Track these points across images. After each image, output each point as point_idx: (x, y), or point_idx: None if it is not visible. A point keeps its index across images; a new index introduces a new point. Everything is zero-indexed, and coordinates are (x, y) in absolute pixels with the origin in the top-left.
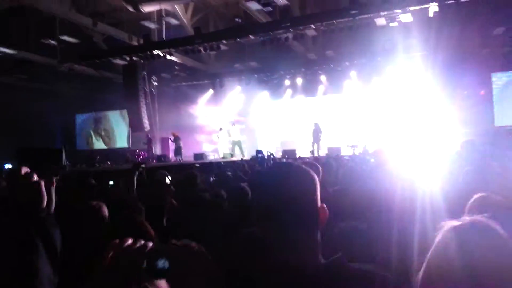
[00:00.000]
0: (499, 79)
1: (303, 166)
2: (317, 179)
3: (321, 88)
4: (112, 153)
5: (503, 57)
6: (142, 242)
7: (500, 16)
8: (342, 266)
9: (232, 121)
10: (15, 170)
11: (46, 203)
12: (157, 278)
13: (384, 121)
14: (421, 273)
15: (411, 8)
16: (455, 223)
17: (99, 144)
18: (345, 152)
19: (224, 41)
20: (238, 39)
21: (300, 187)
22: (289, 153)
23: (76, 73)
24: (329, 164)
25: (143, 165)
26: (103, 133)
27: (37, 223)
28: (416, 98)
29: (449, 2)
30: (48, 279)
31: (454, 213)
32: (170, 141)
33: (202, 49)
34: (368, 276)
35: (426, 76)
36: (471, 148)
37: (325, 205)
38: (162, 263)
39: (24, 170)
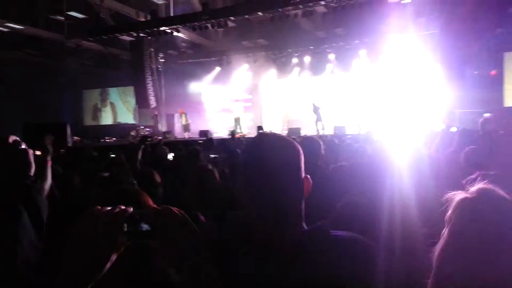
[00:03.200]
0: (511, 58)
1: (288, 137)
2: (301, 150)
3: (329, 67)
4: (118, 129)
5: None
6: (122, 207)
7: None
8: (324, 232)
9: (234, 98)
10: (3, 138)
11: (38, 173)
12: (140, 240)
13: (392, 101)
14: (437, 249)
15: None
16: (464, 195)
17: (106, 118)
18: (350, 131)
19: (232, 18)
20: (246, 16)
21: (283, 157)
22: (294, 131)
23: (83, 49)
24: (333, 142)
25: (150, 139)
26: (109, 107)
27: (23, 189)
28: (424, 78)
29: None
30: (31, 244)
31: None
32: (177, 117)
33: (209, 26)
34: (349, 242)
35: (436, 55)
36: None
37: (309, 176)
38: (143, 226)
39: (12, 138)
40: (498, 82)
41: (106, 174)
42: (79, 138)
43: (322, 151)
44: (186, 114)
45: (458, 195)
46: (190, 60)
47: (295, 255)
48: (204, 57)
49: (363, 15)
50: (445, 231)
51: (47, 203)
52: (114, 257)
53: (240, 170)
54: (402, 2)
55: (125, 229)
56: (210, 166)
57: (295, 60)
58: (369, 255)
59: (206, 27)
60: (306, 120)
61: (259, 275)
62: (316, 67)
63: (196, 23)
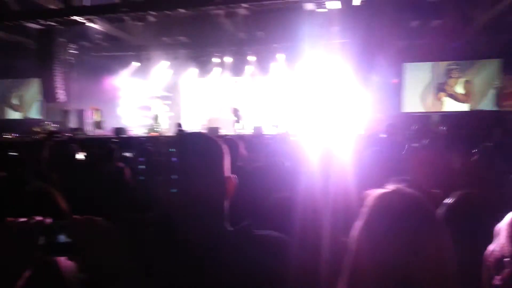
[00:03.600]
0: (409, 69)
1: (212, 136)
2: (224, 150)
3: (248, 69)
4: (21, 124)
5: (416, 49)
6: (39, 218)
7: (418, 10)
8: (248, 232)
9: (153, 95)
10: None
11: None
12: (58, 254)
13: (308, 104)
14: (351, 240)
15: None
16: (380, 190)
17: (12, 114)
18: (268, 131)
19: (152, 12)
20: (166, 12)
21: (205, 156)
22: (212, 131)
23: None
24: (251, 142)
25: (58, 135)
26: (17, 102)
27: None
28: (336, 84)
29: None
30: None
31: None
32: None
33: (128, 19)
34: (270, 240)
35: (346, 63)
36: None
37: (235, 176)
38: (62, 238)
39: None
40: (397, 90)
41: (2, 174)
42: None
43: (243, 151)
44: (100, 111)
45: (376, 191)
46: (105, 53)
47: (216, 253)
48: (121, 51)
49: (282, 20)
50: (359, 223)
51: None
52: (27, 274)
53: (159, 169)
54: (317, 10)
55: (41, 242)
56: (122, 165)
57: (216, 60)
58: (284, 250)
59: (124, 20)
60: (226, 119)
61: (181, 274)
62: (237, 68)
63: (113, 15)
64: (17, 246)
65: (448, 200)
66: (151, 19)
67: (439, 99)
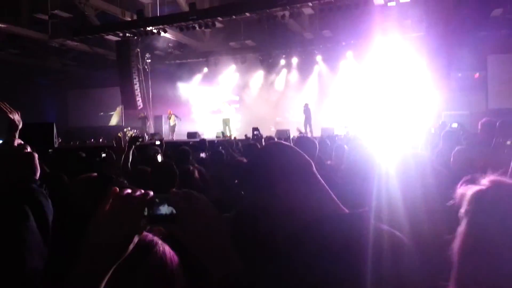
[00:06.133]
0: (494, 61)
1: (294, 148)
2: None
3: (316, 68)
4: (104, 131)
5: (500, 40)
6: (142, 191)
7: None
8: (365, 219)
9: (223, 99)
10: (8, 141)
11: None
12: (160, 225)
13: (378, 103)
14: (456, 247)
15: None
16: (478, 187)
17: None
18: (338, 132)
19: (219, 18)
20: (233, 17)
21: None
22: (282, 133)
23: (68, 49)
24: (324, 142)
25: (141, 139)
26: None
27: (29, 193)
28: (410, 80)
29: None
30: (37, 248)
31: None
32: (164, 119)
33: (197, 26)
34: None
35: (421, 58)
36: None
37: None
38: (164, 209)
39: (17, 141)
40: (482, 85)
41: (94, 174)
42: (60, 140)
43: (317, 152)
44: (175, 115)
45: (471, 189)
46: (177, 61)
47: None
48: (191, 58)
49: (350, 17)
50: (462, 227)
51: (52, 208)
52: (136, 239)
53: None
54: (388, 4)
55: (145, 212)
56: (193, 167)
57: (282, 62)
58: (404, 250)
59: (194, 28)
60: (294, 121)
61: (287, 271)
62: (304, 68)
63: (183, 23)
64: (127, 213)
65: None
66: (219, 25)
67: None
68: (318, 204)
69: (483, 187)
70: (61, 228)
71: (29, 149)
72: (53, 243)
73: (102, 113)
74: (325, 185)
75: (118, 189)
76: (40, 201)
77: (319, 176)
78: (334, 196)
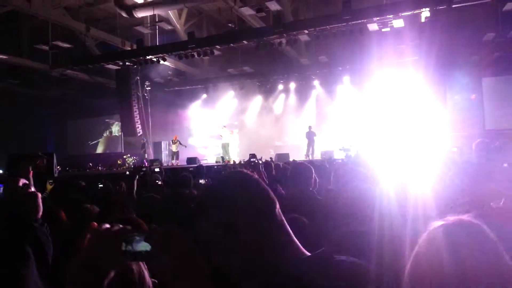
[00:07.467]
0: (489, 83)
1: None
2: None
3: (314, 93)
4: (103, 158)
5: (493, 63)
6: (120, 226)
7: (490, 22)
8: (327, 257)
9: (222, 124)
10: (13, 181)
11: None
12: (137, 261)
13: (376, 125)
14: (407, 271)
15: (403, 14)
16: (441, 222)
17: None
18: (338, 155)
19: (217, 46)
20: (231, 44)
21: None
22: (282, 157)
23: (68, 78)
24: (324, 166)
25: (144, 169)
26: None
27: (30, 232)
28: (408, 103)
29: (440, 8)
30: (35, 285)
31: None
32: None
33: (195, 54)
34: (350, 266)
35: (417, 81)
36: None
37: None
38: (143, 246)
39: (22, 181)
40: (478, 106)
41: (96, 209)
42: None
43: (314, 176)
44: (179, 142)
45: (437, 222)
46: (176, 88)
47: (299, 280)
48: (190, 84)
49: (345, 43)
50: (412, 256)
51: (51, 246)
52: (112, 274)
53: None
54: (383, 30)
55: (124, 248)
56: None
57: (280, 87)
58: (366, 278)
59: (192, 56)
60: (294, 145)
61: None
62: (302, 94)
63: (182, 52)
64: (103, 251)
65: None
66: (217, 52)
67: None
68: (279, 249)
69: (445, 223)
70: (58, 264)
71: (32, 189)
72: (52, 279)
73: (90, 142)
74: (287, 227)
75: (96, 224)
76: (41, 240)
77: (282, 217)
78: (294, 239)
